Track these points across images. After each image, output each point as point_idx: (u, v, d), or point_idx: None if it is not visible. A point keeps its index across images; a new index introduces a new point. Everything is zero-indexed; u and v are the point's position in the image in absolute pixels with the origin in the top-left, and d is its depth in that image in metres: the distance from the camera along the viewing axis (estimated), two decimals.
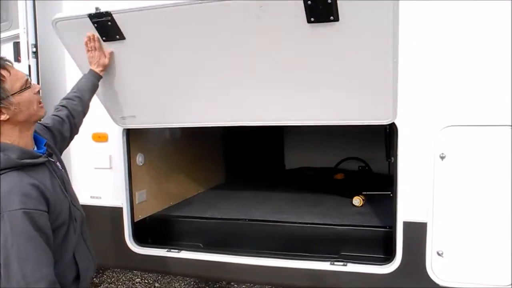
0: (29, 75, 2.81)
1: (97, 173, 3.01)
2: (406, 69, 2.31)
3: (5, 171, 1.64)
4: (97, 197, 3.04)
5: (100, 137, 2.96)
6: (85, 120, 2.48)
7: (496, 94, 2.22)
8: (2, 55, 2.97)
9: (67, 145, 2.26)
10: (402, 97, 2.32)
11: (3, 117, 1.66)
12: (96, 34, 2.35)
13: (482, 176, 2.26)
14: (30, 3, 2.81)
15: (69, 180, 1.99)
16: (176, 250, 2.88)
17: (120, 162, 2.94)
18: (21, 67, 2.81)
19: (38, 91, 1.81)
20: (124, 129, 2.88)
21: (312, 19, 2.02)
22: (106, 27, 2.30)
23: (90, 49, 2.40)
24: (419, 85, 2.33)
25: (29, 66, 2.84)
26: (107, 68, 2.47)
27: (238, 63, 2.32)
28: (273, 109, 2.47)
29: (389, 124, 2.40)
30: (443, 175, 2.31)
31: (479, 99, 2.26)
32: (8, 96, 1.66)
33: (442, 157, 2.30)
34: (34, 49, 2.85)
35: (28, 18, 2.80)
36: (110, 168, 2.97)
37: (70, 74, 2.99)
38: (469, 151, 2.27)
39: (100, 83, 2.51)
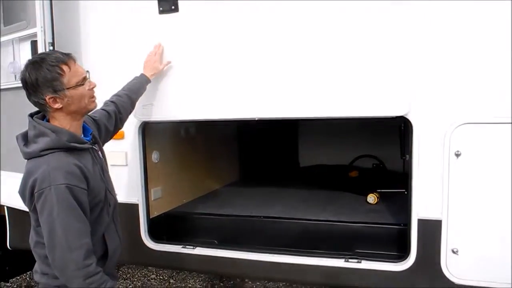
0: None
1: (113, 170, 3.01)
2: (422, 65, 2.31)
3: (55, 150, 1.88)
4: None
5: (117, 134, 2.98)
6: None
7: None
8: (21, 53, 3.10)
9: (111, 138, 2.52)
10: (417, 93, 2.32)
11: (57, 105, 1.91)
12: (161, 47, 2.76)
13: (498, 174, 2.23)
14: (47, 2, 2.85)
15: (107, 169, 2.24)
16: (191, 247, 2.90)
17: (136, 159, 2.97)
18: None
19: (92, 88, 2.05)
20: (140, 126, 2.91)
21: None
22: None
23: (151, 54, 2.73)
24: (434, 82, 2.31)
25: None
26: (158, 74, 2.76)
27: (267, 49, 2.54)
28: (288, 102, 2.54)
29: (404, 121, 2.40)
30: (458, 172, 2.29)
31: (495, 96, 2.23)
32: (64, 89, 1.91)
33: (458, 155, 2.28)
34: (51, 47, 2.88)
35: (45, 17, 2.83)
36: (126, 165, 3.00)
37: (86, 69, 3.02)
38: (484, 149, 2.24)
39: (134, 61, 2.77)
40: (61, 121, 1.96)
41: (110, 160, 3.01)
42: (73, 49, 2.98)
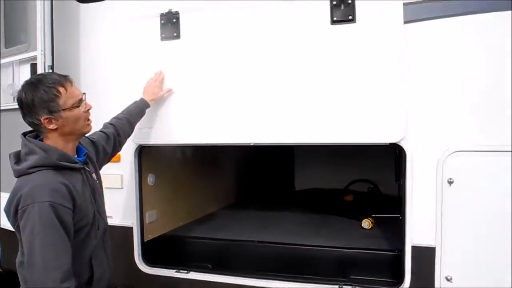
0: None
1: (108, 192, 3.01)
2: (415, 93, 2.36)
3: (43, 168, 1.87)
4: (108, 216, 3.05)
5: (113, 157, 3.00)
6: None
7: (504, 120, 2.22)
8: (20, 75, 3.13)
9: (108, 161, 2.53)
10: (410, 120, 2.36)
11: (52, 126, 1.93)
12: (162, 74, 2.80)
13: (491, 201, 2.26)
14: (48, 26, 2.90)
15: (102, 192, 2.25)
16: (185, 271, 2.89)
17: (131, 182, 2.98)
18: None
19: (88, 110, 2.05)
20: (136, 149, 2.93)
21: (335, 18, 2.41)
22: (168, 25, 2.76)
23: (152, 79, 2.76)
24: (427, 109, 2.36)
25: None
26: (157, 99, 2.78)
27: (263, 73, 2.61)
28: (285, 127, 2.58)
29: (398, 147, 2.43)
30: (451, 199, 2.31)
31: (487, 125, 2.27)
32: (59, 111, 1.92)
33: (450, 182, 2.30)
34: (50, 70, 2.92)
35: (46, 41, 2.89)
36: (122, 188, 3.01)
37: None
38: (477, 177, 2.27)
39: (135, 85, 2.82)
40: (54, 142, 1.96)
41: (106, 183, 3.01)
42: (72, 73, 3.04)
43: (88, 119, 2.06)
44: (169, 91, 2.79)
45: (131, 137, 2.79)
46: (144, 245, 3.03)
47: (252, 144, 2.62)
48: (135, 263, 2.99)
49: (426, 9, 2.33)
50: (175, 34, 2.76)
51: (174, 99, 2.80)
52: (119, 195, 3.02)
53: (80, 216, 1.94)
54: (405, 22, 2.33)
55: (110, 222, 3.02)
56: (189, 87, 2.77)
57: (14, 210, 1.84)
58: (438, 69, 2.33)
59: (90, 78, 3.05)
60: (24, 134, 1.98)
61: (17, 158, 1.96)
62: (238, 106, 2.66)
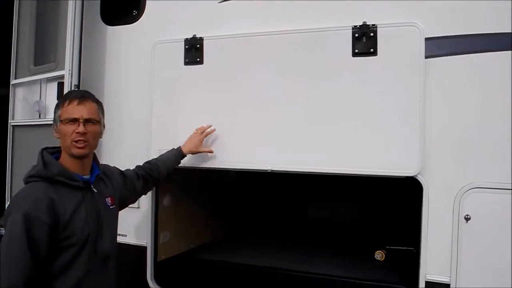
0: None
1: (125, 211, 3.05)
2: (434, 127, 2.37)
3: (38, 179, 1.91)
4: (123, 235, 3.10)
5: None
6: (117, 158, 2.95)
7: None
8: (47, 93, 3.22)
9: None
10: (428, 155, 2.36)
11: (56, 135, 2.04)
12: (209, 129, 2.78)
13: (508, 240, 2.23)
14: (76, 47, 3.00)
15: (114, 220, 2.24)
16: None
17: (148, 202, 3.01)
18: None
19: (78, 133, 1.99)
20: None
21: (356, 50, 2.45)
22: (192, 50, 2.84)
23: (199, 131, 2.75)
24: (446, 145, 2.36)
25: None
26: (195, 152, 2.77)
27: (282, 102, 2.65)
28: (302, 156, 2.60)
29: (415, 181, 2.42)
30: (467, 236, 2.29)
31: (506, 162, 2.26)
32: (58, 121, 2.02)
33: (467, 219, 2.29)
34: (77, 89, 3.00)
35: (73, 61, 2.98)
36: (138, 207, 3.05)
37: (107, 113, 3.12)
38: (494, 214, 2.25)
39: (157, 108, 2.93)
40: (63, 157, 2.02)
41: None
42: (97, 93, 3.12)
43: (77, 141, 1.98)
44: (210, 151, 2.78)
45: (150, 158, 2.84)
46: (157, 265, 3.04)
47: (269, 171, 2.64)
48: (147, 283, 3.00)
49: (448, 44, 2.36)
50: (198, 59, 2.83)
51: (194, 122, 2.84)
52: (135, 214, 3.06)
53: (67, 234, 1.88)
54: (426, 57, 2.36)
55: (125, 240, 3.10)
56: (209, 112, 2.82)
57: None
58: (459, 104, 2.35)
59: (113, 98, 3.14)
60: (46, 148, 2.05)
61: None
62: (257, 133, 2.69)
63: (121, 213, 3.10)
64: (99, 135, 2.13)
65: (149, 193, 2.99)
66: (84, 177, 2.05)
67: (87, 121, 2.02)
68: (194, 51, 2.83)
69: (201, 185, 3.74)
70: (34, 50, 3.58)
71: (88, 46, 3.13)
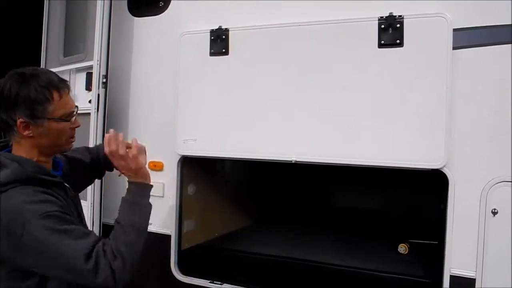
0: (98, 103, 3.03)
1: (150, 200, 3.13)
2: (461, 121, 2.34)
3: (17, 184, 1.51)
4: None
5: (156, 166, 3.10)
6: None
7: None
8: (76, 83, 3.27)
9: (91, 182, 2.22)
10: (455, 147, 2.33)
11: (27, 133, 1.57)
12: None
13: None
14: (105, 38, 3.05)
15: (84, 215, 1.88)
16: (219, 282, 2.93)
17: (172, 191, 3.06)
18: (91, 96, 3.06)
19: (76, 127, 1.70)
20: (179, 159, 3.02)
21: (383, 42, 2.42)
22: (218, 41, 2.84)
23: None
24: (473, 137, 2.33)
25: (98, 95, 3.04)
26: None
27: (308, 92, 2.64)
28: (327, 147, 2.60)
29: (440, 173, 2.40)
30: (494, 230, 2.26)
31: None
32: (44, 118, 1.57)
33: (494, 213, 2.25)
34: (104, 80, 3.06)
35: (102, 52, 3.03)
36: (163, 196, 3.10)
37: (134, 103, 3.24)
38: None
39: (182, 98, 2.92)
40: (27, 151, 1.60)
41: None
42: (125, 84, 3.21)
43: (73, 137, 1.71)
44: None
45: (174, 148, 2.88)
46: (181, 253, 3.09)
47: (293, 161, 2.65)
48: (170, 271, 3.05)
49: (477, 35, 2.32)
50: (223, 50, 2.84)
51: (220, 113, 2.87)
52: (160, 203, 3.10)
53: None
54: (454, 48, 2.32)
55: (149, 228, 3.12)
56: (234, 103, 2.84)
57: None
58: (486, 96, 2.31)
59: (140, 88, 3.20)
60: None
61: None
62: (282, 124, 2.70)
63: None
64: None
65: (173, 182, 3.04)
66: (55, 172, 1.71)
67: None
68: (219, 42, 2.85)
69: (226, 174, 3.78)
70: (63, 41, 3.66)
71: (116, 37, 3.18)
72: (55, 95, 1.58)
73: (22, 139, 1.60)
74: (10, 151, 1.63)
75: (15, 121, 1.54)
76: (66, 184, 1.71)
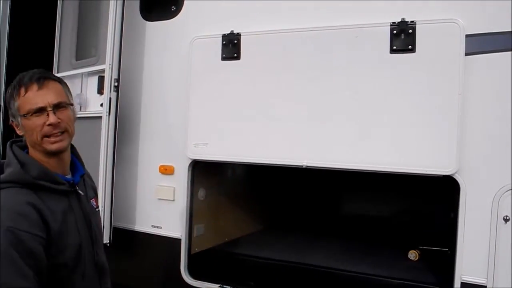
0: (109, 106, 3.05)
1: (160, 203, 3.16)
2: (473, 127, 2.33)
3: (15, 185, 1.50)
4: (157, 227, 3.18)
5: (167, 170, 3.11)
6: (153, 152, 3.09)
7: None
8: (88, 87, 3.29)
9: None
10: (467, 154, 2.32)
11: (18, 132, 1.62)
12: None
13: None
14: (117, 42, 3.08)
15: (101, 226, 1.86)
16: (229, 287, 2.93)
17: (183, 195, 3.07)
18: (103, 99, 3.09)
19: (50, 125, 1.59)
20: (190, 163, 3.03)
21: (394, 47, 2.42)
22: (229, 46, 2.85)
23: None
24: (485, 144, 2.32)
25: (110, 99, 3.06)
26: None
27: (319, 98, 2.64)
28: (338, 152, 2.60)
29: (452, 181, 2.39)
30: (506, 237, 2.24)
31: None
32: (18, 115, 1.60)
33: (506, 220, 2.24)
34: (116, 84, 3.09)
35: (114, 56, 3.06)
36: (173, 200, 3.11)
37: (145, 107, 3.25)
38: None
39: (194, 102, 2.94)
40: (34, 153, 1.61)
41: (158, 194, 3.17)
42: (136, 88, 3.23)
43: (50, 135, 1.60)
44: None
45: (186, 152, 2.89)
46: (191, 257, 3.10)
47: (304, 166, 2.65)
48: (180, 275, 3.05)
49: (490, 41, 2.31)
50: (235, 54, 2.86)
51: (231, 117, 2.88)
52: (170, 206, 3.12)
53: (58, 250, 1.53)
54: (466, 54, 2.31)
55: (159, 232, 3.17)
56: (245, 107, 2.85)
57: None
58: (499, 103, 2.29)
59: (152, 93, 3.22)
60: (11, 142, 1.65)
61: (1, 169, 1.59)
62: (293, 128, 2.70)
63: (156, 205, 3.20)
64: (74, 119, 1.71)
65: (184, 186, 3.05)
66: (67, 177, 1.68)
67: (56, 106, 1.60)
68: (231, 46, 2.86)
69: (236, 179, 3.78)
70: (76, 45, 3.70)
71: (128, 41, 3.21)
72: (21, 91, 1.59)
73: (27, 141, 1.64)
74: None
75: (12, 122, 1.63)
76: (80, 192, 1.69)
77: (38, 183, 1.53)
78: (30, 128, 1.58)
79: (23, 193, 1.49)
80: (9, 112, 1.62)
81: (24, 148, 1.65)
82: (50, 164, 1.61)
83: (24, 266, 1.40)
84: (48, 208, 1.52)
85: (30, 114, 1.57)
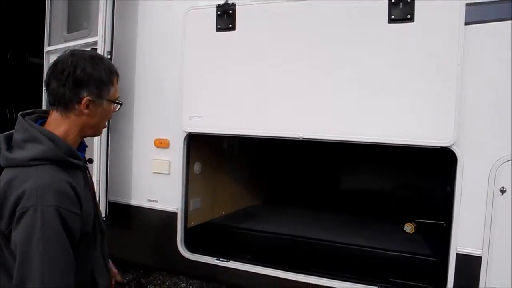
0: None
1: (156, 177, 3.14)
2: (471, 99, 2.30)
3: (46, 162, 1.51)
4: (153, 201, 3.17)
5: (162, 143, 3.09)
6: (149, 125, 3.06)
7: None
8: None
9: None
10: (464, 125, 2.30)
11: (86, 111, 1.61)
12: None
13: None
14: (109, 14, 3.01)
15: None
16: (225, 260, 2.94)
17: (178, 169, 3.05)
18: None
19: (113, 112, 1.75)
20: (185, 136, 3.00)
21: (393, 16, 2.38)
22: (224, 16, 2.80)
23: None
24: (483, 116, 2.30)
25: None
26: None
27: (317, 69, 2.61)
28: (334, 124, 2.58)
29: (449, 152, 2.37)
30: (502, 209, 2.25)
31: None
32: (104, 99, 1.65)
33: (503, 191, 2.24)
34: (109, 56, 3.03)
35: (106, 28, 2.99)
36: (169, 173, 3.09)
37: (139, 80, 3.20)
38: None
39: (188, 75, 2.92)
40: (69, 127, 1.62)
41: (153, 168, 3.15)
42: (129, 60, 3.17)
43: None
44: None
45: (180, 125, 2.87)
46: (187, 231, 3.10)
47: (299, 138, 2.63)
48: (177, 248, 3.06)
49: (490, 10, 2.26)
50: (230, 25, 2.80)
51: (226, 90, 2.84)
52: (166, 180, 3.10)
53: (83, 223, 1.59)
54: (466, 23, 2.27)
55: (155, 206, 3.17)
56: (241, 79, 2.80)
57: (10, 211, 1.45)
58: (497, 73, 2.26)
59: (145, 65, 3.17)
60: (23, 115, 1.63)
61: (9, 143, 1.58)
62: (289, 100, 2.67)
63: (152, 179, 3.19)
64: None
65: (180, 160, 3.03)
66: (81, 153, 1.73)
67: None
68: (226, 17, 2.80)
69: (233, 153, 3.77)
70: (67, 18, 3.62)
71: (120, 13, 3.13)
72: (115, 80, 1.70)
73: (73, 115, 1.62)
74: (42, 124, 1.63)
75: (81, 99, 1.59)
76: (87, 166, 1.76)
77: (66, 159, 1.56)
78: (108, 112, 1.70)
79: (58, 171, 1.52)
80: (92, 90, 1.60)
81: (36, 120, 1.64)
82: (73, 141, 1.64)
83: (68, 245, 1.47)
84: (77, 184, 1.57)
85: (115, 102, 1.71)
